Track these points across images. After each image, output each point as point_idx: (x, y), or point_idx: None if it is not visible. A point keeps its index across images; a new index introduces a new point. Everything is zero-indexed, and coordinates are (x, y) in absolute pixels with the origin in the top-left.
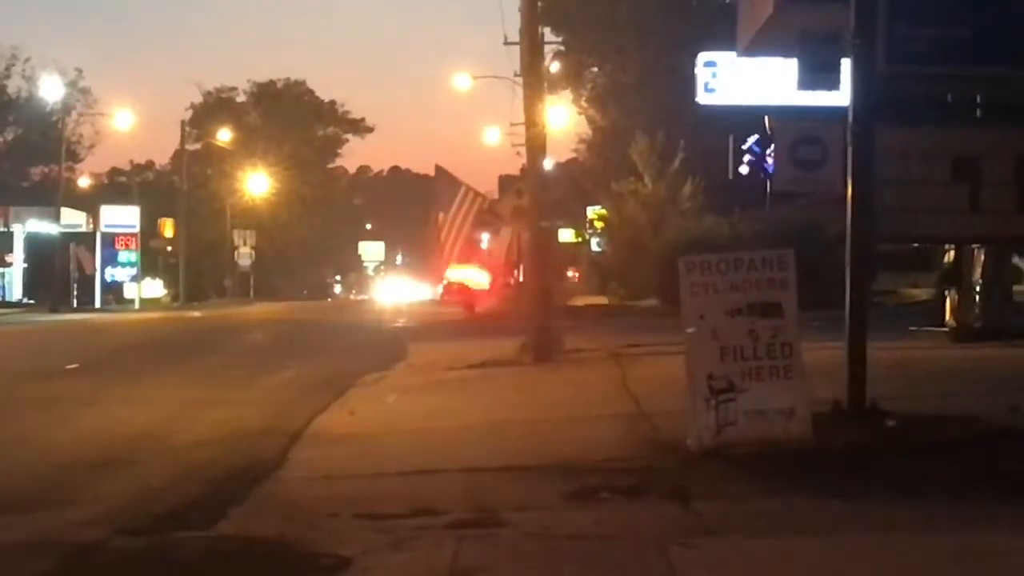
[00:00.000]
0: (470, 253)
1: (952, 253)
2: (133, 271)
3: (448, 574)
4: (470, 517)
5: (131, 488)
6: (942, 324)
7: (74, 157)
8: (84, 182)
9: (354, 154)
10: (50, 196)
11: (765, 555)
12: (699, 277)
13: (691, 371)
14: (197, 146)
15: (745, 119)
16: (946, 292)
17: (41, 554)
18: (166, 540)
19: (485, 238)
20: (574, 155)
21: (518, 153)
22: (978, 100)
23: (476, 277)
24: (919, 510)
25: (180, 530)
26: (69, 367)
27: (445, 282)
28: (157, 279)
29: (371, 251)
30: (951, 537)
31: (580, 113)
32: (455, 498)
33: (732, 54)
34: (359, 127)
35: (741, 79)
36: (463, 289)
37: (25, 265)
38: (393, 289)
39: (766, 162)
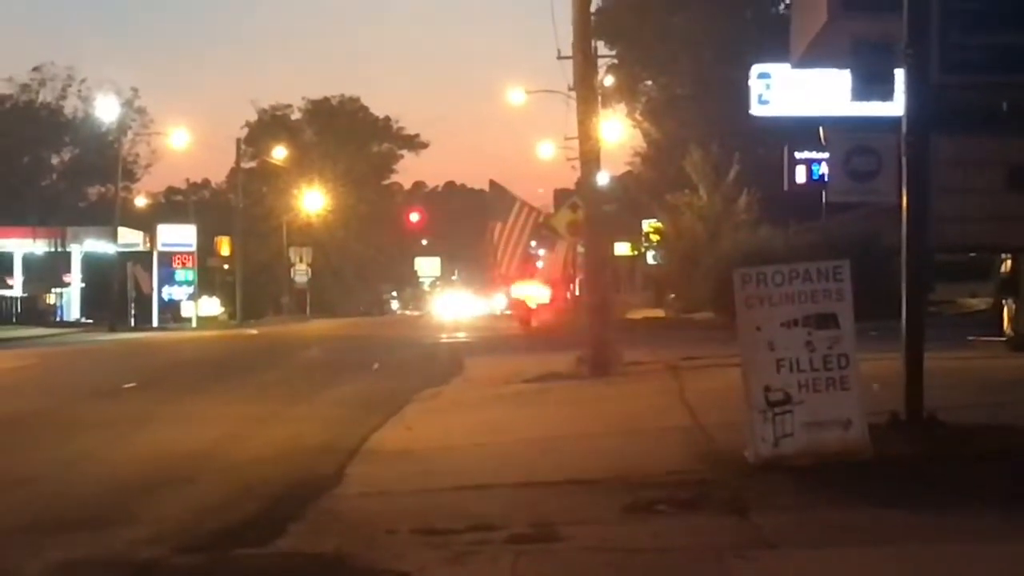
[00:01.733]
0: (526, 267)
1: (1009, 262)
2: (190, 289)
3: None
4: (527, 532)
5: (189, 506)
6: (1000, 334)
7: (131, 177)
8: (141, 201)
9: (409, 170)
10: (107, 216)
11: (823, 566)
12: (754, 289)
13: (747, 383)
14: (253, 164)
15: (799, 130)
16: (1004, 302)
17: (102, 573)
18: (224, 557)
19: (540, 252)
20: (629, 168)
21: (573, 167)
22: None
23: (533, 291)
24: (977, 520)
25: (238, 547)
26: (127, 386)
27: (505, 296)
28: (214, 297)
29: (427, 267)
30: (1010, 547)
31: (634, 126)
32: (512, 513)
33: (786, 66)
34: (414, 143)
35: (795, 90)
36: (519, 303)
37: (83, 285)
38: (449, 304)
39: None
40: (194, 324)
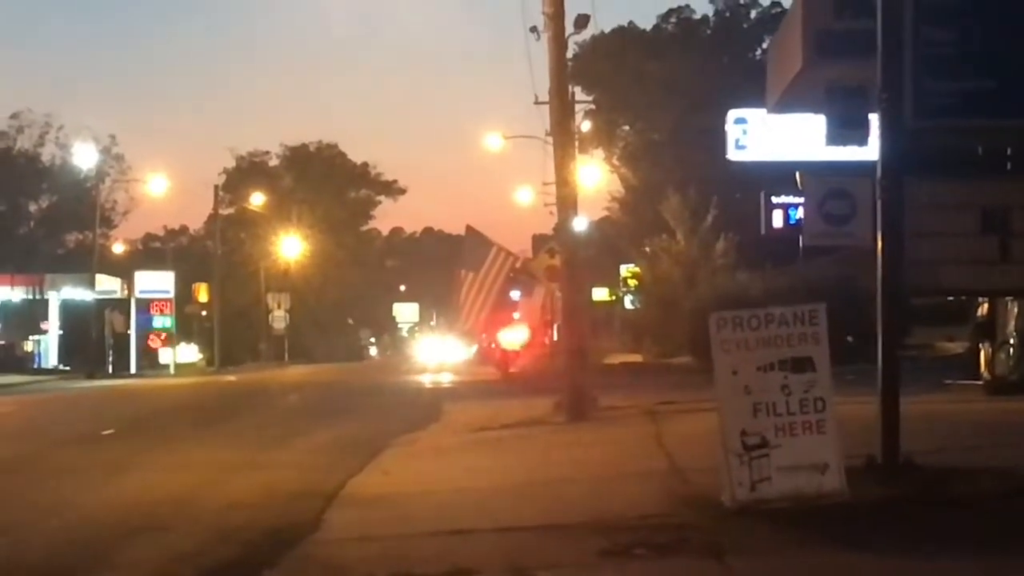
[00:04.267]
0: (502, 313)
1: (986, 306)
2: (165, 336)
3: None
4: None
5: (166, 552)
6: (977, 377)
7: (108, 224)
8: (118, 248)
9: (387, 216)
10: (85, 263)
11: None
12: (730, 333)
13: (724, 427)
14: (231, 210)
15: (776, 175)
16: (980, 345)
17: None
18: None
19: (517, 297)
20: (607, 213)
21: (551, 212)
22: (1008, 152)
23: (510, 337)
24: (954, 564)
25: None
26: (105, 432)
27: (480, 342)
28: (192, 344)
29: (405, 312)
30: None
31: (612, 171)
32: (490, 557)
33: (762, 111)
34: (391, 189)
35: (771, 135)
36: (497, 349)
37: (61, 332)
38: (427, 350)
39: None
40: (172, 371)
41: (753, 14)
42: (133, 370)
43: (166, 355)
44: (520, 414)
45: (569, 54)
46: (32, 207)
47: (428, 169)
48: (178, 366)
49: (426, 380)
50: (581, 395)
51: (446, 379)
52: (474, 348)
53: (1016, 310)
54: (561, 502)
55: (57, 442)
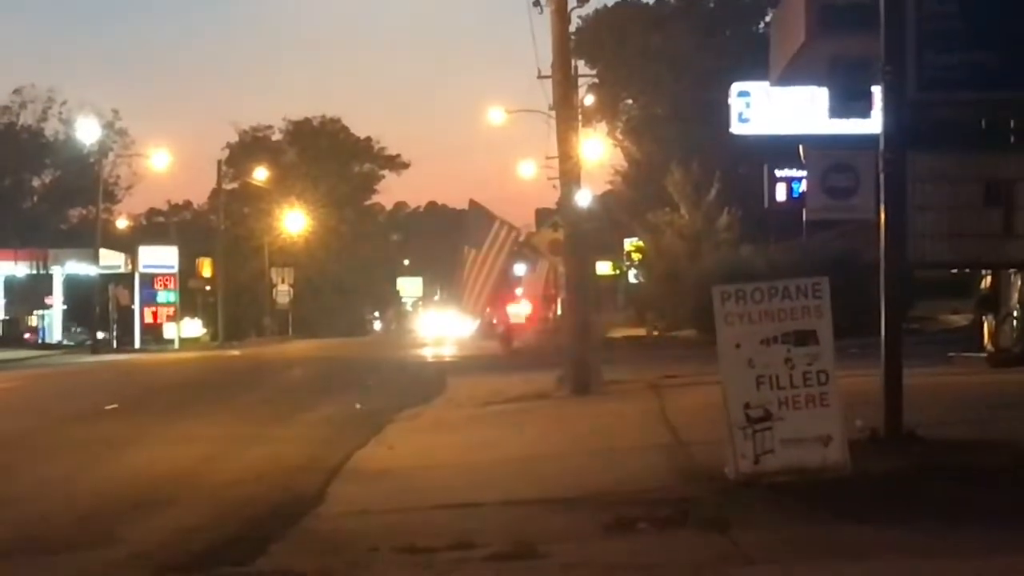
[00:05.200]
0: (505, 288)
1: (989, 279)
2: (172, 311)
3: None
4: (508, 550)
5: (171, 526)
6: (980, 350)
7: (112, 198)
8: (122, 223)
9: (390, 190)
10: (88, 238)
11: None
12: (734, 307)
13: (728, 400)
14: (234, 185)
15: (780, 149)
16: (983, 318)
17: None
18: None
19: (522, 272)
20: (610, 187)
21: (554, 186)
22: (1011, 125)
23: (514, 311)
24: (956, 536)
25: (220, 567)
26: (109, 407)
27: (485, 317)
28: (196, 318)
29: (409, 287)
30: (988, 562)
31: (615, 145)
32: (494, 531)
33: (765, 84)
34: (395, 163)
35: (775, 109)
36: (501, 323)
37: (65, 307)
38: (431, 324)
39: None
40: (176, 346)
41: None
42: (137, 345)
43: (170, 330)
44: (524, 388)
45: (572, 28)
46: (35, 182)
47: (431, 143)
48: (182, 341)
49: (430, 354)
50: (585, 369)
51: (450, 353)
52: (478, 323)
53: (1019, 282)
54: (564, 476)
55: (61, 417)
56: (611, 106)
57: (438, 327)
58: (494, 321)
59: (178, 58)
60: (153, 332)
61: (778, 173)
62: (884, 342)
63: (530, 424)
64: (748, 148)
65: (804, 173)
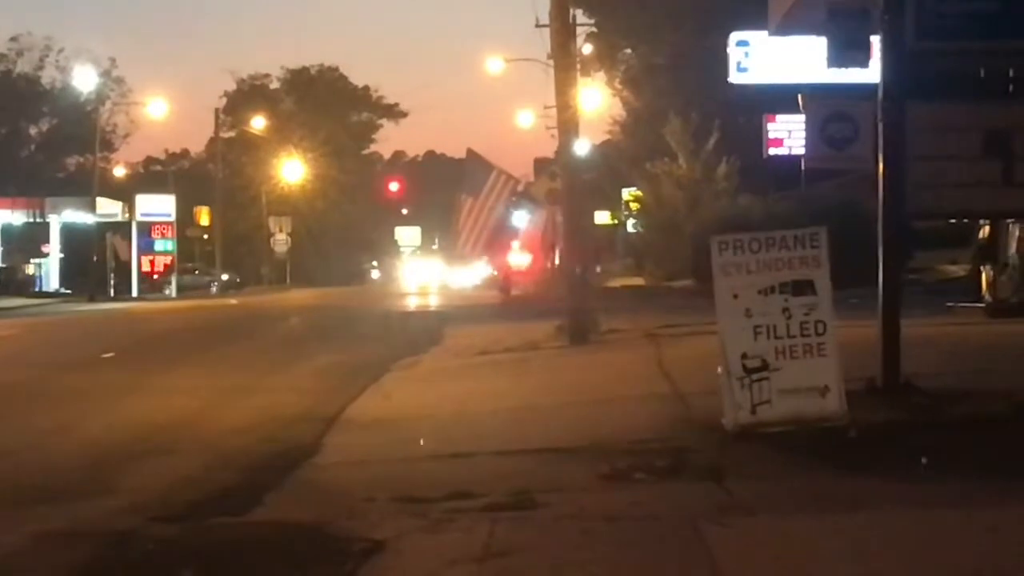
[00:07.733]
0: (502, 237)
1: (987, 229)
2: (169, 259)
3: (482, 556)
4: (505, 500)
5: (167, 476)
6: (978, 300)
7: (109, 147)
8: (119, 172)
9: (389, 139)
10: (86, 186)
11: (799, 532)
12: (731, 257)
13: (725, 350)
14: (232, 134)
15: (778, 98)
16: (982, 268)
17: (77, 543)
18: (201, 527)
19: (521, 221)
20: (608, 137)
21: (552, 136)
22: (1010, 74)
23: (512, 260)
24: (953, 485)
25: (215, 517)
26: (106, 356)
27: (485, 265)
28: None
29: (407, 236)
30: (986, 512)
31: (614, 95)
32: (490, 481)
33: (764, 33)
34: (393, 112)
35: (774, 58)
36: (499, 272)
37: (62, 255)
38: (429, 273)
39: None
40: (173, 294)
41: None
42: (135, 293)
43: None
44: (521, 338)
45: None
46: (32, 130)
47: (430, 93)
48: (179, 289)
49: (428, 303)
50: (583, 319)
51: (447, 302)
52: (478, 272)
53: (1018, 233)
54: (562, 425)
55: (58, 366)
56: (609, 55)
57: (436, 276)
58: (494, 270)
59: (176, 6)
60: (151, 281)
61: (777, 122)
62: (882, 292)
63: (527, 373)
64: (747, 97)
65: (803, 121)
